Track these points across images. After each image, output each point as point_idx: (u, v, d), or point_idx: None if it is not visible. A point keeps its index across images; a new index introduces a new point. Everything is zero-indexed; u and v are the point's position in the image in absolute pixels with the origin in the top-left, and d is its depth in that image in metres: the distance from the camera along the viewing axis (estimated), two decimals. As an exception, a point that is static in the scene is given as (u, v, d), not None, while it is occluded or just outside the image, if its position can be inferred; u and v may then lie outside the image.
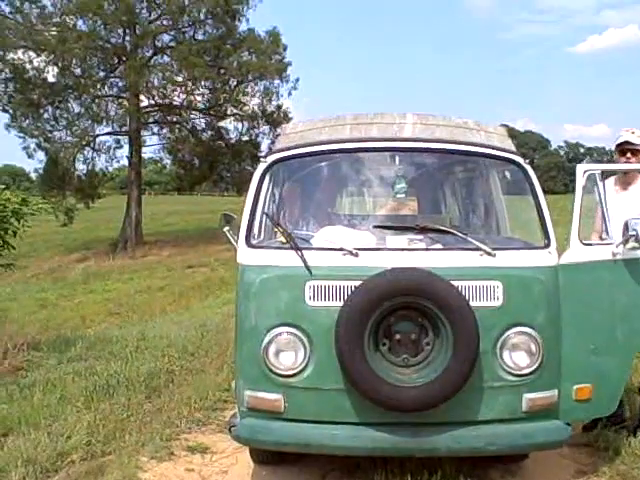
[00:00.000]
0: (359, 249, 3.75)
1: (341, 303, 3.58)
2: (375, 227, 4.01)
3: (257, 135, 31.48)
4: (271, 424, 3.74)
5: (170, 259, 25.62)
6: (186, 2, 28.48)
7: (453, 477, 3.90)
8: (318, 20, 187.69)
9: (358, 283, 3.57)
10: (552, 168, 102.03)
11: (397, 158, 4.24)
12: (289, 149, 4.17)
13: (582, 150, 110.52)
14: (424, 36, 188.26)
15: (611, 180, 4.87)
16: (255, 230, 3.98)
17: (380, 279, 3.55)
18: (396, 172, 4.24)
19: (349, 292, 3.60)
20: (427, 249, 3.82)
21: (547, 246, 3.89)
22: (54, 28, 27.21)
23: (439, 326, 3.56)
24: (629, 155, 4.82)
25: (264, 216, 4.02)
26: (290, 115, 31.41)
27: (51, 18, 27.98)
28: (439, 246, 3.85)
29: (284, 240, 3.85)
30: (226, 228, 4.14)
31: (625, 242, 3.87)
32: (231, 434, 3.93)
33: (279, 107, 31.07)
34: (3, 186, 7.60)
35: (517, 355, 3.68)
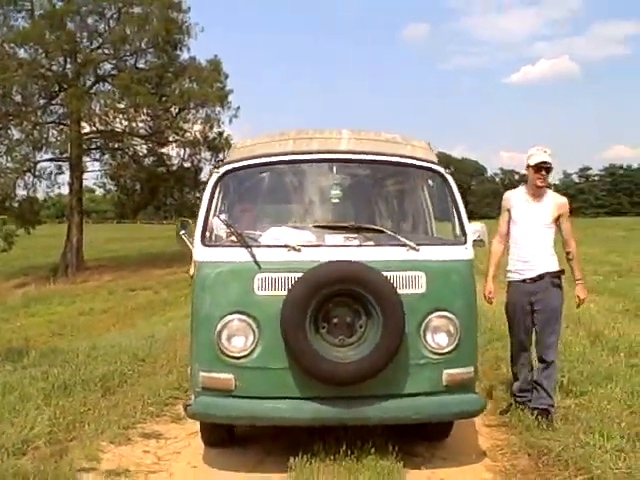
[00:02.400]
0: (301, 245, 4.31)
1: (286, 292, 4.12)
2: (315, 227, 4.56)
3: (199, 161, 31.92)
4: (223, 401, 4.23)
5: (111, 283, 25.67)
6: (127, 32, 28.84)
7: (383, 449, 4.39)
8: (261, 50, 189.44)
9: (300, 274, 4.12)
10: (488, 195, 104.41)
11: (334, 168, 4.84)
12: (239, 161, 4.74)
13: (517, 177, 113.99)
14: (364, 65, 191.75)
15: (520, 191, 5.41)
16: (209, 231, 4.48)
17: (319, 270, 4.11)
18: (333, 180, 4.84)
19: (292, 282, 4.13)
20: (360, 245, 4.40)
21: (464, 243, 4.51)
22: (-6, 56, 27.19)
23: (370, 310, 4.12)
24: (544, 172, 5.21)
25: (217, 219, 4.54)
26: (231, 141, 31.88)
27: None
28: (371, 243, 4.43)
29: (235, 239, 4.37)
30: (182, 232, 4.63)
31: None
32: (187, 412, 4.43)
33: (220, 134, 31.60)
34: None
35: (438, 336, 4.27)
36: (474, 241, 4.58)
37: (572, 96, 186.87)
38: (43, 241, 38.95)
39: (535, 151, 5.26)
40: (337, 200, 4.84)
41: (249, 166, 4.72)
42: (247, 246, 4.31)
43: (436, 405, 4.30)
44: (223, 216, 4.60)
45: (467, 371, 4.37)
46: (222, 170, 4.69)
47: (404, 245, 4.35)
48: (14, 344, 11.11)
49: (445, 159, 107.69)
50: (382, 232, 4.48)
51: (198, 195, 28.44)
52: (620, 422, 4.98)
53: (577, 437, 4.69)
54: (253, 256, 4.26)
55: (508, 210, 5.36)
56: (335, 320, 4.16)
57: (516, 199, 5.36)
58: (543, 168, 5.19)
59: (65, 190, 32.25)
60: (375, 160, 4.76)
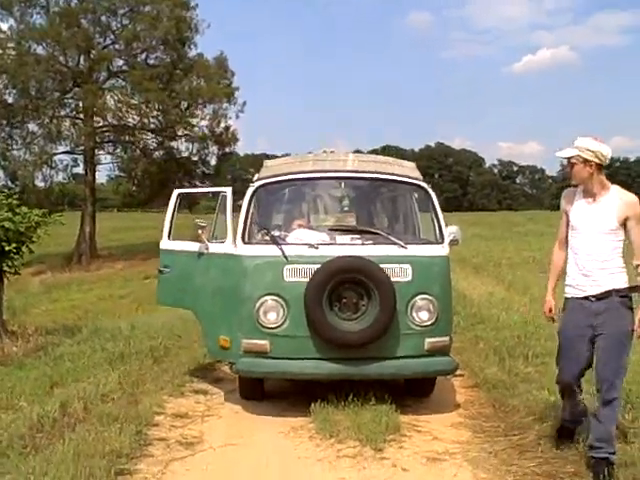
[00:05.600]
0: (318, 244, 5.74)
1: (307, 279, 5.55)
2: (330, 229, 6.03)
3: (206, 155, 33.35)
4: (260, 361, 5.66)
5: (125, 271, 27.09)
6: (139, 29, 30.17)
7: (381, 400, 5.75)
8: (267, 44, 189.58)
9: (318, 266, 5.54)
10: (486, 186, 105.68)
11: (343, 183, 6.32)
12: (269, 177, 6.22)
13: (515, 168, 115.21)
14: (362, 55, 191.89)
15: (577, 192, 4.49)
16: (247, 232, 5.90)
17: (332, 262, 5.54)
18: (342, 193, 6.30)
19: (312, 272, 5.55)
20: (363, 244, 5.84)
21: (441, 242, 5.92)
22: (12, 52, 28.51)
23: (370, 293, 5.53)
24: (568, 168, 4.43)
25: (253, 221, 5.96)
26: (237, 136, 33.31)
27: (7, 42, 29.31)
28: (371, 242, 5.86)
29: (268, 238, 5.80)
30: (199, 231, 6.03)
31: None
32: (232, 370, 5.88)
33: (227, 128, 33.03)
34: (17, 202, 9.26)
35: (421, 313, 5.68)
36: (450, 241, 5.99)
37: (571, 87, 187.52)
38: (53, 229, 40.22)
39: (576, 142, 4.37)
40: (345, 208, 6.31)
41: (278, 182, 6.21)
42: (277, 244, 5.75)
43: (420, 365, 5.71)
44: (258, 220, 6.03)
45: (443, 340, 5.78)
46: (256, 184, 6.12)
47: (395, 244, 5.77)
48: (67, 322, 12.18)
49: (444, 150, 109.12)
50: (379, 234, 5.93)
51: (204, 186, 29.87)
52: None
53: (531, 393, 6.00)
54: (282, 252, 5.69)
55: (565, 212, 4.54)
56: (344, 300, 5.59)
57: (574, 199, 4.47)
58: (569, 163, 4.37)
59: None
60: (374, 177, 6.25)
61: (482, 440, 5.17)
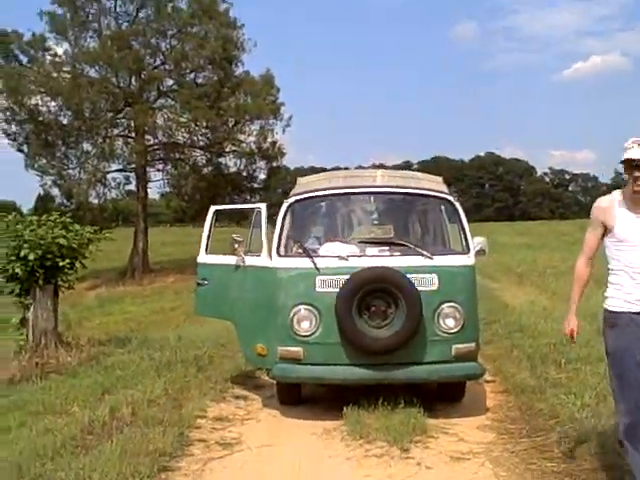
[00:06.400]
0: (348, 256, 6.06)
1: (338, 289, 5.86)
2: (359, 242, 6.34)
3: (254, 170, 34.00)
4: (295, 367, 5.99)
5: (176, 284, 27.75)
6: (187, 49, 31.05)
7: (410, 403, 6.01)
8: (308, 56, 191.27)
9: (348, 276, 5.85)
10: (537, 195, 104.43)
11: (372, 198, 6.66)
12: (302, 193, 6.59)
13: (567, 177, 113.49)
14: (411, 68, 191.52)
15: (616, 198, 4.05)
16: (282, 245, 6.25)
17: (361, 273, 5.84)
18: (371, 207, 6.63)
19: (343, 282, 5.86)
20: (390, 255, 6.13)
21: (467, 252, 6.17)
22: (67, 75, 29.69)
23: (398, 302, 5.82)
24: (637, 173, 3.85)
25: (287, 235, 6.30)
26: (284, 150, 33.88)
27: (62, 66, 30.53)
28: (398, 253, 6.15)
29: (301, 251, 6.14)
30: (235, 245, 6.39)
31: None
32: (269, 375, 6.23)
33: (274, 143, 33.60)
34: (70, 220, 9.79)
35: (448, 320, 5.93)
36: (477, 251, 6.24)
37: (624, 93, 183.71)
38: (107, 245, 41.33)
39: (630, 144, 3.89)
40: (375, 222, 6.62)
41: (310, 197, 6.57)
42: (310, 256, 6.09)
43: (447, 370, 5.97)
44: (292, 234, 6.38)
45: (470, 346, 6.02)
46: (291, 200, 6.48)
47: (422, 255, 6.05)
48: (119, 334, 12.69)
49: (494, 160, 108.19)
50: (406, 245, 6.21)
51: (253, 200, 30.56)
52: (595, 388, 6.38)
53: (558, 397, 6.19)
54: (314, 264, 6.02)
55: (603, 224, 4.04)
56: (373, 308, 5.88)
57: (614, 210, 4.00)
58: (637, 168, 3.86)
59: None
60: (402, 192, 6.58)
61: (505, 441, 5.40)
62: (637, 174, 3.85)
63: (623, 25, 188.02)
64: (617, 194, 4.06)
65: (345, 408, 5.95)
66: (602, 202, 4.10)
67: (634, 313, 3.88)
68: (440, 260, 6.06)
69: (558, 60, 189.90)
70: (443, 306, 5.93)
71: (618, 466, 4.45)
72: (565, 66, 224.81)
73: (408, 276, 5.83)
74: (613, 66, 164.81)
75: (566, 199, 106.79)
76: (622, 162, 3.92)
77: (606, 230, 4.04)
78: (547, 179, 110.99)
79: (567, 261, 20.32)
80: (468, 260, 6.16)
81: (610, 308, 3.99)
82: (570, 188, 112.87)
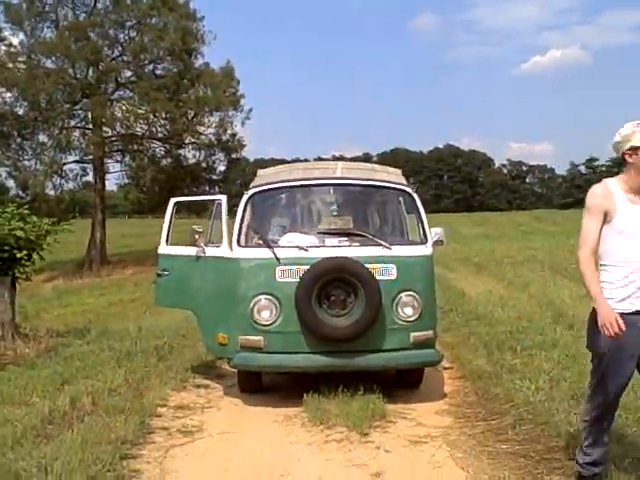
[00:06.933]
0: (308, 246, 6.14)
1: (298, 279, 5.93)
2: (318, 233, 6.42)
3: (213, 162, 33.87)
4: (256, 355, 6.06)
5: (135, 276, 27.53)
6: (146, 41, 30.70)
7: (370, 389, 6.11)
8: (275, 50, 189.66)
9: (308, 267, 5.93)
10: (496, 186, 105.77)
11: (332, 190, 6.74)
12: (263, 185, 6.63)
13: (525, 168, 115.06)
14: (372, 60, 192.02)
15: (616, 186, 3.81)
16: (243, 236, 6.29)
17: (320, 263, 5.92)
18: (331, 199, 6.72)
19: (302, 272, 5.94)
20: (350, 245, 6.23)
21: (425, 243, 6.29)
22: (23, 66, 29.14)
23: (357, 291, 5.92)
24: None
25: (248, 226, 6.35)
26: (244, 142, 33.79)
27: (17, 57, 29.96)
28: (357, 244, 6.25)
29: (262, 242, 6.19)
30: (196, 236, 6.44)
31: None
32: (230, 364, 6.27)
33: (234, 135, 33.50)
34: (27, 211, 9.69)
35: (406, 309, 6.05)
36: (435, 241, 6.37)
37: (582, 86, 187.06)
38: (65, 237, 40.74)
39: (637, 127, 3.73)
40: (334, 213, 6.71)
41: (270, 189, 6.63)
42: (270, 247, 6.15)
43: (405, 357, 6.09)
44: (252, 225, 6.43)
45: (428, 334, 6.15)
46: (251, 192, 6.52)
47: (380, 245, 6.15)
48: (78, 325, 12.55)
49: (453, 152, 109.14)
50: (365, 236, 6.31)
51: (212, 192, 30.47)
52: (549, 373, 6.57)
53: (514, 382, 6.32)
54: (274, 254, 6.08)
55: (606, 212, 3.77)
56: (333, 298, 5.98)
57: (613, 197, 3.76)
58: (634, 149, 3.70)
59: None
60: (361, 184, 6.69)
61: (462, 425, 5.55)
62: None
63: (582, 18, 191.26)
64: (612, 182, 3.82)
65: (305, 395, 6.04)
66: (598, 189, 3.81)
67: (628, 314, 3.68)
68: (398, 250, 6.16)
69: (518, 53, 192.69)
70: (401, 295, 6.04)
71: (570, 447, 4.62)
72: (524, 59, 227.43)
73: (367, 266, 5.93)
74: (572, 59, 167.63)
75: (523, 190, 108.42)
76: (627, 151, 3.71)
77: (604, 219, 3.76)
78: (505, 171, 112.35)
79: (524, 251, 20.82)
80: (426, 250, 6.28)
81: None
82: (527, 180, 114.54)
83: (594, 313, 3.77)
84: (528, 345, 7.86)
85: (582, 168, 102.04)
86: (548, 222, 39.20)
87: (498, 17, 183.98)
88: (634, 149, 3.70)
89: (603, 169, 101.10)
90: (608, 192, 3.77)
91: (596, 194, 3.80)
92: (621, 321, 3.57)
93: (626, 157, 3.74)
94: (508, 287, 13.87)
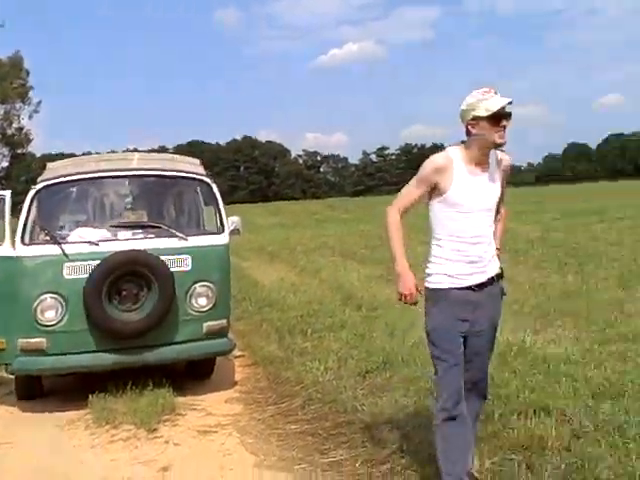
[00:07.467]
0: (99, 241, 5.94)
1: (87, 275, 5.71)
2: (111, 226, 6.23)
3: (-4, 157, 31.32)
4: (37, 359, 5.75)
5: None
6: None
7: (159, 384, 5.99)
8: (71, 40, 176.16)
9: (98, 261, 5.73)
10: (291, 176, 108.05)
11: (127, 182, 6.54)
12: (52, 179, 6.30)
13: (319, 158, 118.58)
14: (171, 51, 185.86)
15: (457, 156, 3.50)
16: (28, 233, 5.94)
17: (111, 257, 5.74)
18: (126, 190, 6.56)
19: (92, 267, 5.72)
20: (144, 238, 6.09)
21: (222, 232, 6.33)
22: None
23: (150, 284, 5.80)
24: (505, 123, 3.41)
25: (34, 222, 6.00)
26: (31, 137, 31.71)
27: None
28: (152, 235, 6.13)
29: (49, 238, 5.91)
30: None
31: None
32: (7, 371, 5.93)
33: (20, 129, 31.29)
34: None
35: (200, 299, 6.03)
36: (231, 231, 6.43)
37: (376, 79, 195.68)
38: None
39: (483, 95, 3.41)
40: (129, 206, 6.55)
41: (60, 182, 6.28)
42: (57, 243, 5.85)
43: (198, 348, 6.07)
44: (39, 221, 6.08)
45: (221, 323, 6.17)
46: (39, 186, 6.16)
47: (176, 236, 6.09)
48: None
49: (250, 143, 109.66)
50: (160, 227, 6.21)
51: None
52: (337, 352, 6.77)
53: (304, 364, 6.46)
54: (62, 250, 5.80)
55: (436, 185, 3.49)
56: (124, 293, 5.81)
57: (452, 169, 3.47)
58: (504, 117, 3.40)
59: None
60: (158, 175, 6.56)
61: (252, 410, 5.64)
62: (504, 123, 3.40)
63: (381, 14, 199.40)
64: (454, 152, 3.52)
65: (91, 396, 5.82)
66: (438, 160, 3.49)
67: (457, 289, 3.49)
68: (194, 241, 6.13)
69: (317, 47, 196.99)
70: (196, 286, 6.01)
71: (356, 421, 4.90)
72: (323, 53, 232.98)
73: (162, 258, 5.83)
74: (368, 53, 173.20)
75: (318, 179, 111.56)
76: (487, 116, 3.37)
77: (433, 192, 3.52)
78: (301, 161, 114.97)
79: (317, 238, 21.47)
80: (222, 239, 6.29)
81: (432, 286, 3.54)
82: (322, 169, 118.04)
83: (426, 294, 3.58)
84: (318, 328, 8.07)
85: (373, 157, 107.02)
86: (341, 210, 40.67)
87: (300, 11, 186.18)
88: (477, 119, 3.40)
89: (393, 157, 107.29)
90: (449, 163, 3.46)
91: (431, 166, 3.48)
92: (415, 291, 3.50)
93: (469, 127, 3.44)
94: (300, 274, 14.14)
